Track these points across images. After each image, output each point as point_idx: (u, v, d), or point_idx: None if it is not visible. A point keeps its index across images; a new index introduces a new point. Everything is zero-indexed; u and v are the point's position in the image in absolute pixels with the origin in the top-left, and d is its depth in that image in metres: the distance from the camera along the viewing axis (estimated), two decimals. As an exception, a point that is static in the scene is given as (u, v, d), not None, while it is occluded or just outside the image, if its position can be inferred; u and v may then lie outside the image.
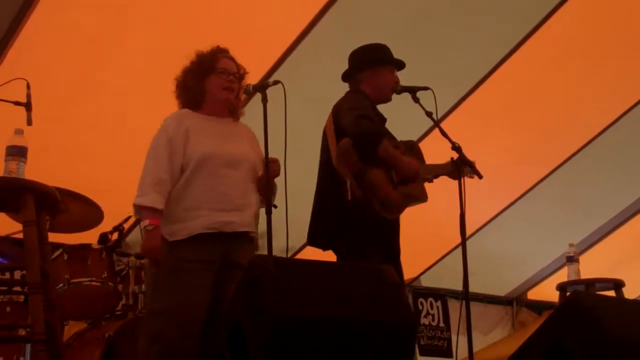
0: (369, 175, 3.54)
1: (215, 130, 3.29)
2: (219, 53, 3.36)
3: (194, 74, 3.32)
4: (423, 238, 5.86)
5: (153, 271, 3.16)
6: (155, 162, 3.15)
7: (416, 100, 3.74)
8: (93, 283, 4.00)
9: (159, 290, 3.12)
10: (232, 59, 3.39)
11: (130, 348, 3.70)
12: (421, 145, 4.02)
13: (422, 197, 3.74)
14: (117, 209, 4.36)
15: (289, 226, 3.25)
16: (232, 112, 3.39)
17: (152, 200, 3.08)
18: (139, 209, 3.11)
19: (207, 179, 3.16)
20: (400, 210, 3.70)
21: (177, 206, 3.16)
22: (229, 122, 3.38)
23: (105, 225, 4.21)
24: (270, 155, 3.21)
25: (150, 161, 3.17)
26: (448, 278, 6.58)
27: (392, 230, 3.72)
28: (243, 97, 3.46)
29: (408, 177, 3.66)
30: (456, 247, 3.59)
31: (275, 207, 3.24)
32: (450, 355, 6.68)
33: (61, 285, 3.91)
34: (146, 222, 3.05)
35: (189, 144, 3.18)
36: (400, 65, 3.87)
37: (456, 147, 3.58)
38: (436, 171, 3.72)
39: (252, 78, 4.17)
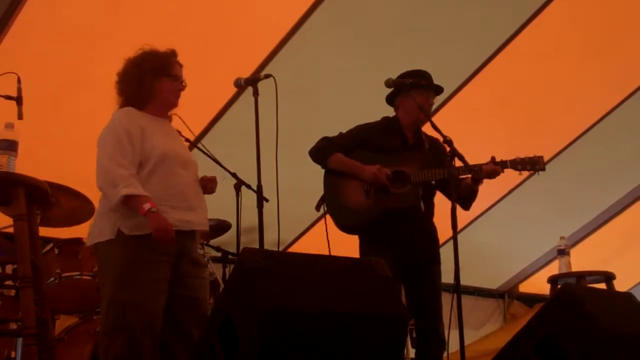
0: (339, 186, 3.72)
1: (164, 131, 3.31)
2: (172, 57, 3.35)
3: (150, 72, 3.28)
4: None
5: (116, 264, 3.06)
6: (123, 154, 3.10)
7: (407, 93, 3.73)
8: (84, 277, 4.00)
9: (124, 282, 3.04)
10: (180, 65, 3.38)
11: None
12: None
13: (404, 203, 3.68)
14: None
15: (280, 220, 3.26)
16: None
17: (141, 190, 3.04)
18: (129, 198, 3.01)
19: (165, 177, 3.16)
20: (369, 215, 3.67)
21: None
22: (168, 123, 3.40)
23: (96, 220, 4.20)
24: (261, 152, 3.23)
25: (117, 151, 3.10)
26: (440, 272, 6.58)
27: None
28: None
29: (375, 184, 3.66)
30: (447, 241, 3.59)
31: (267, 200, 3.24)
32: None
33: (52, 279, 3.91)
34: (148, 205, 2.99)
35: (145, 141, 3.17)
36: None
37: (447, 141, 3.57)
38: (431, 176, 3.67)
39: (244, 71, 4.18)
